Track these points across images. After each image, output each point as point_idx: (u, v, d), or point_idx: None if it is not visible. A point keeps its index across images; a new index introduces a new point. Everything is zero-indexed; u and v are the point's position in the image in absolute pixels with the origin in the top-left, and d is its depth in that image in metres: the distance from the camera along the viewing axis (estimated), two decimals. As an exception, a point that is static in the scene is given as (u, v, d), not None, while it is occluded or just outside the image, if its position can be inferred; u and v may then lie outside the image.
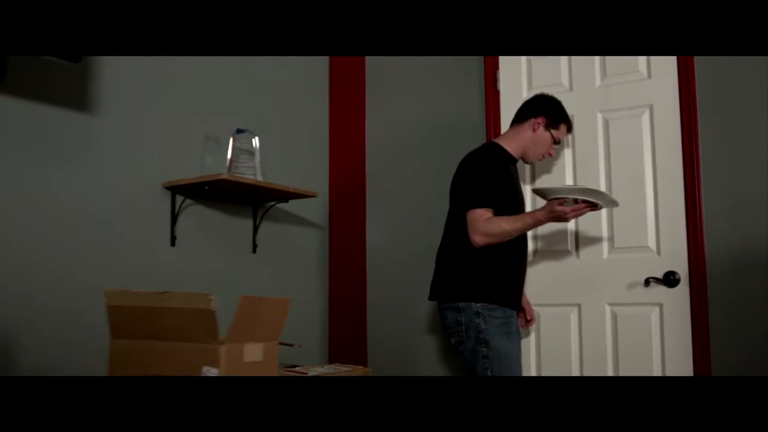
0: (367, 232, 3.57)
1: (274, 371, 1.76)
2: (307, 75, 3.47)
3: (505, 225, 2.60)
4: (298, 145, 3.35)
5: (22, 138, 2.25)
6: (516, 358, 2.64)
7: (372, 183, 3.59)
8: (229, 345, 1.60)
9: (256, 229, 3.03)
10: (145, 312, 1.67)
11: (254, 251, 3.03)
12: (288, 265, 3.25)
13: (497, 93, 3.30)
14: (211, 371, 1.57)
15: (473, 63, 3.38)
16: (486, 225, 2.60)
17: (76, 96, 2.40)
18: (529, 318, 3.01)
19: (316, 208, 3.42)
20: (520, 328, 2.89)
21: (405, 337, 3.40)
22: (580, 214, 2.55)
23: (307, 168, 3.39)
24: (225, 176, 2.51)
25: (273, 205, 3.07)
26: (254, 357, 1.68)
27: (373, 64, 3.67)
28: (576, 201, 2.51)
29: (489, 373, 2.56)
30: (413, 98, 3.54)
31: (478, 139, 3.30)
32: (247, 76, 3.09)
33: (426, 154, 3.46)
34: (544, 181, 3.15)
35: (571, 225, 3.08)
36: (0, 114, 2.19)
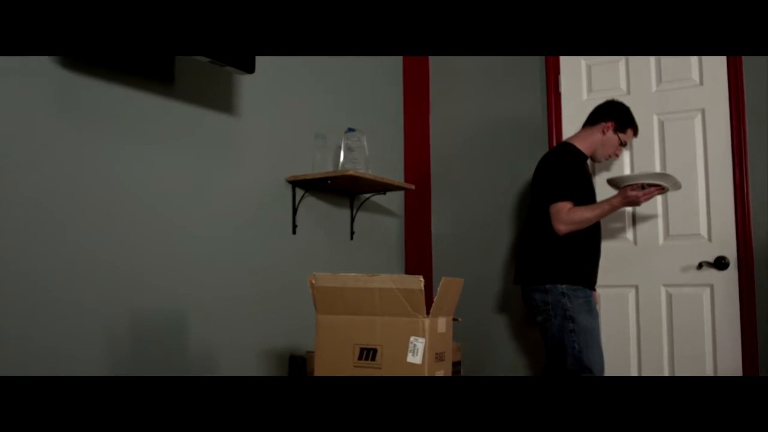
0: (432, 221, 3.91)
1: (450, 341, 2.09)
2: (386, 80, 3.77)
3: (587, 213, 2.96)
4: (380, 142, 3.65)
5: (184, 135, 2.54)
6: (598, 331, 3.00)
7: (436, 177, 3.92)
8: (431, 319, 1.93)
9: (353, 218, 3.34)
10: (352, 292, 1.98)
11: (351, 238, 3.35)
12: (376, 250, 3.57)
13: (559, 95, 3.64)
14: (418, 340, 1.90)
15: (535, 66, 3.71)
16: (569, 215, 2.95)
17: (224, 100, 2.69)
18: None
19: (395, 200, 3.75)
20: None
21: (466, 315, 3.74)
22: (651, 197, 2.93)
23: (388, 162, 3.70)
24: (351, 172, 2.82)
25: (369, 197, 3.39)
26: (442, 329, 2.02)
27: (437, 67, 3.99)
28: (643, 187, 2.89)
29: (576, 346, 2.91)
30: (477, 98, 3.86)
31: (541, 137, 3.65)
32: (339, 81, 3.40)
33: (489, 151, 3.80)
34: (603, 176, 3.50)
35: (629, 217, 3.44)
36: (167, 113, 2.48)
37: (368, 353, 1.95)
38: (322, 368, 2.02)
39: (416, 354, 1.90)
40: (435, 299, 1.94)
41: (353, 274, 1.99)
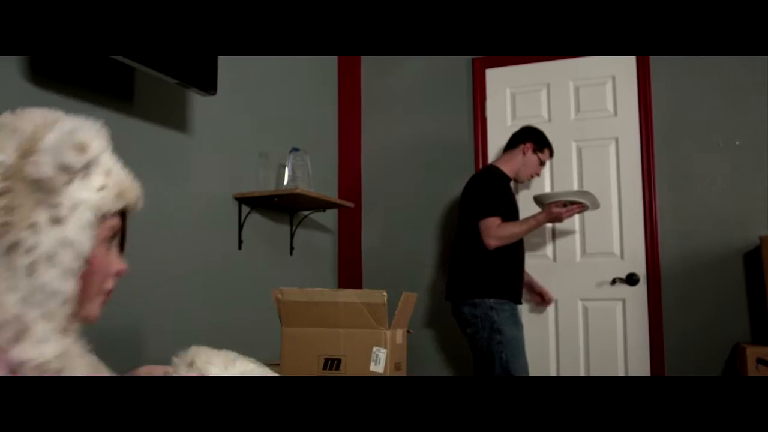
0: (362, 238, 4.05)
1: (405, 351, 2.24)
2: (323, 101, 3.90)
3: (515, 228, 3.19)
4: (316, 161, 3.78)
5: (140, 152, 2.58)
6: (522, 342, 3.21)
7: (367, 195, 4.07)
8: (392, 330, 2.07)
9: (292, 235, 3.45)
10: (317, 306, 2.10)
11: (291, 254, 3.45)
12: (313, 265, 3.68)
13: (485, 119, 3.87)
14: (380, 350, 2.04)
15: (463, 91, 3.92)
16: (498, 230, 3.16)
17: (179, 118, 2.75)
18: (547, 299, 3.60)
19: (329, 217, 3.88)
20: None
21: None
22: (573, 214, 3.20)
23: (323, 180, 3.82)
24: (299, 190, 2.93)
25: (308, 214, 3.50)
26: (399, 340, 2.16)
27: (369, 89, 4.14)
28: (565, 204, 3.16)
29: (503, 356, 3.11)
30: (407, 121, 4.04)
31: (468, 158, 3.87)
32: (280, 102, 3.49)
33: (417, 171, 3.98)
34: (525, 195, 3.74)
35: (549, 235, 3.70)
36: (125, 130, 2.51)
37: (332, 363, 2.08)
38: (287, 378, 2.11)
39: (378, 363, 2.04)
40: (396, 312, 2.08)
41: (318, 288, 2.12)
